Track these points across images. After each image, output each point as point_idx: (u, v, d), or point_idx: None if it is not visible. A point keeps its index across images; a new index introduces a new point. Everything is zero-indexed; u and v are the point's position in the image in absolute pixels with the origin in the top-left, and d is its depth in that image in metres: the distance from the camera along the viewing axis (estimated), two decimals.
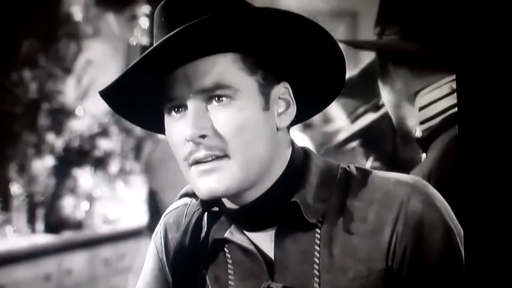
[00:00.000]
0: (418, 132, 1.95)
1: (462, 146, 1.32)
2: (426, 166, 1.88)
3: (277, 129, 1.40)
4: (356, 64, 2.46)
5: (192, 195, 1.50)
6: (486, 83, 1.30)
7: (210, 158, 1.35)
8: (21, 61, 3.42)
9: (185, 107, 1.37)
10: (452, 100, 1.93)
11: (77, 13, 3.53)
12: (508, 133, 1.29)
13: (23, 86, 3.40)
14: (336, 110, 2.68)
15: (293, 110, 1.42)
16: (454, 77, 1.92)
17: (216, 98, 1.36)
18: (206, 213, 1.45)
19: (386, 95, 2.02)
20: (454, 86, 1.93)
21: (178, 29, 1.31)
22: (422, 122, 1.95)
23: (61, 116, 3.85)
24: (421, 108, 1.94)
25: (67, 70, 4.03)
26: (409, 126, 2.02)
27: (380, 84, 2.03)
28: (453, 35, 1.91)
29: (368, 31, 2.13)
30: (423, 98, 1.94)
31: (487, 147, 1.30)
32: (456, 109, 1.90)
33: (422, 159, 1.99)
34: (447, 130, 1.91)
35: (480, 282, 1.29)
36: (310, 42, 1.39)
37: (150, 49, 1.33)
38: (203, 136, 1.35)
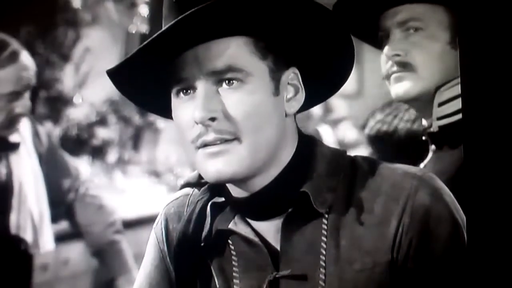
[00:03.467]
0: (434, 127, 1.94)
1: (467, 142, 1.30)
2: (447, 171, 1.86)
3: (286, 115, 1.39)
4: (361, 52, 2.43)
5: (193, 184, 1.50)
6: (492, 83, 1.29)
7: (218, 142, 1.34)
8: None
9: (193, 89, 1.36)
10: None
11: (76, 0, 3.51)
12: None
13: None
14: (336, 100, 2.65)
15: (301, 96, 1.41)
16: None
17: (227, 81, 1.34)
18: (209, 204, 1.43)
19: (417, 80, 1.98)
20: None
21: (191, 11, 1.29)
22: (439, 118, 1.93)
23: (58, 104, 3.83)
24: (440, 104, 1.93)
25: (65, 58, 4.02)
26: (423, 119, 2.01)
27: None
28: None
29: None
30: (443, 94, 1.93)
31: (493, 144, 1.28)
32: None
33: (430, 152, 1.98)
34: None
35: (484, 275, 1.27)
36: (319, 27, 1.38)
37: (162, 30, 1.32)
38: (212, 119, 1.33)
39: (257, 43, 1.36)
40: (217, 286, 1.43)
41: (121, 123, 3.67)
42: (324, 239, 1.37)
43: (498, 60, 1.28)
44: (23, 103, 2.84)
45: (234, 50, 1.34)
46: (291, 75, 1.40)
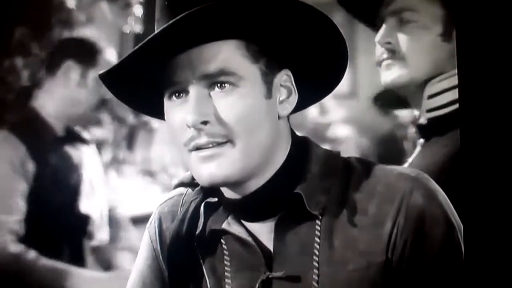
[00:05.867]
0: (423, 119, 1.95)
1: (464, 142, 1.30)
2: (438, 161, 1.86)
3: (279, 117, 1.39)
4: (354, 52, 2.44)
5: (187, 184, 1.50)
6: (489, 81, 1.29)
7: (211, 145, 1.34)
8: (14, 49, 3.40)
9: (186, 92, 1.36)
10: None
11: (70, 0, 3.50)
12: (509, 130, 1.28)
13: (15, 73, 3.38)
14: (332, 102, 2.65)
15: (294, 98, 1.41)
16: None
17: (219, 85, 1.35)
18: (203, 204, 1.43)
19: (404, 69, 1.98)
20: None
21: (183, 14, 1.30)
22: (429, 110, 1.94)
23: None
24: (430, 97, 1.94)
25: None
26: (411, 110, 2.02)
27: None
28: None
29: None
30: (434, 86, 1.93)
31: (489, 145, 1.28)
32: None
33: (418, 146, 1.99)
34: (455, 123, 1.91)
35: (479, 277, 1.28)
36: (312, 29, 1.38)
37: (153, 34, 1.32)
38: (205, 123, 1.34)
39: (249, 46, 1.36)
40: (209, 286, 1.43)
41: (115, 123, 3.66)
42: (318, 240, 1.37)
43: (496, 54, 1.28)
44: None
45: (226, 54, 1.34)
46: (284, 77, 1.40)
